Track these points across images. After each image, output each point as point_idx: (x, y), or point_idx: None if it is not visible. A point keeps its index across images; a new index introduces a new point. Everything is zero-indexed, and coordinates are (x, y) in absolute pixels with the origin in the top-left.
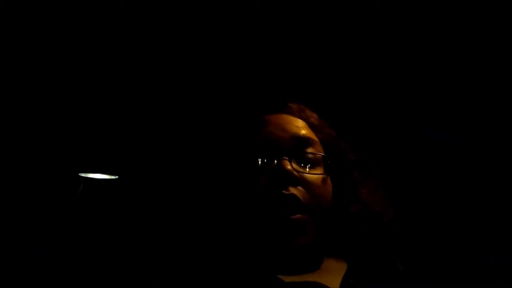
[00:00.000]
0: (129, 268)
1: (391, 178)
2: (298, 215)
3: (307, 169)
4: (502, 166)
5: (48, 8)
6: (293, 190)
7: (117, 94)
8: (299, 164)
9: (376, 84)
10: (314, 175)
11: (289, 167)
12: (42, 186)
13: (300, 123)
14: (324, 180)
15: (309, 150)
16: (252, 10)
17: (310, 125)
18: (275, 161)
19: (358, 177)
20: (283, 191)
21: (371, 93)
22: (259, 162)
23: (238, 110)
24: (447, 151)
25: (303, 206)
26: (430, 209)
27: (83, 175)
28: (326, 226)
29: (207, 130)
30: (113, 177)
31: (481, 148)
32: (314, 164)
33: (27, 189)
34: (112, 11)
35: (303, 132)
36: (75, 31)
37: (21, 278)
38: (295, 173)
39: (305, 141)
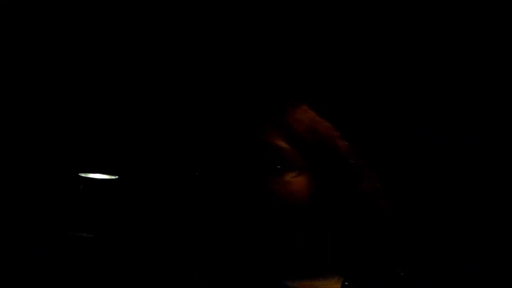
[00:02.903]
0: (129, 268)
1: (389, 178)
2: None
3: (322, 177)
4: (504, 166)
5: (48, 8)
6: (314, 204)
7: (117, 94)
8: (313, 175)
9: (374, 79)
10: (333, 184)
11: (306, 182)
12: (42, 186)
13: (301, 126)
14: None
15: (318, 155)
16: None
17: (309, 124)
18: (290, 173)
19: (357, 164)
20: (305, 209)
21: (368, 86)
22: (270, 173)
23: (238, 118)
24: (447, 152)
25: (324, 215)
26: (429, 211)
27: (83, 175)
28: (342, 226)
29: (210, 133)
30: (113, 177)
31: (483, 149)
32: (328, 168)
33: (27, 189)
34: (112, 10)
35: (305, 137)
36: (75, 31)
37: (20, 277)
38: (313, 186)
39: (310, 147)
